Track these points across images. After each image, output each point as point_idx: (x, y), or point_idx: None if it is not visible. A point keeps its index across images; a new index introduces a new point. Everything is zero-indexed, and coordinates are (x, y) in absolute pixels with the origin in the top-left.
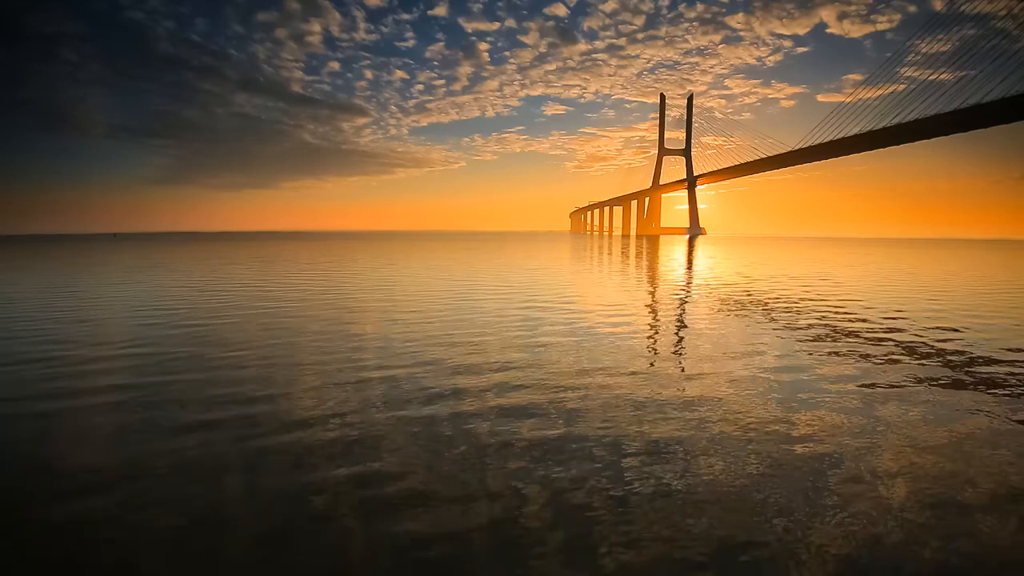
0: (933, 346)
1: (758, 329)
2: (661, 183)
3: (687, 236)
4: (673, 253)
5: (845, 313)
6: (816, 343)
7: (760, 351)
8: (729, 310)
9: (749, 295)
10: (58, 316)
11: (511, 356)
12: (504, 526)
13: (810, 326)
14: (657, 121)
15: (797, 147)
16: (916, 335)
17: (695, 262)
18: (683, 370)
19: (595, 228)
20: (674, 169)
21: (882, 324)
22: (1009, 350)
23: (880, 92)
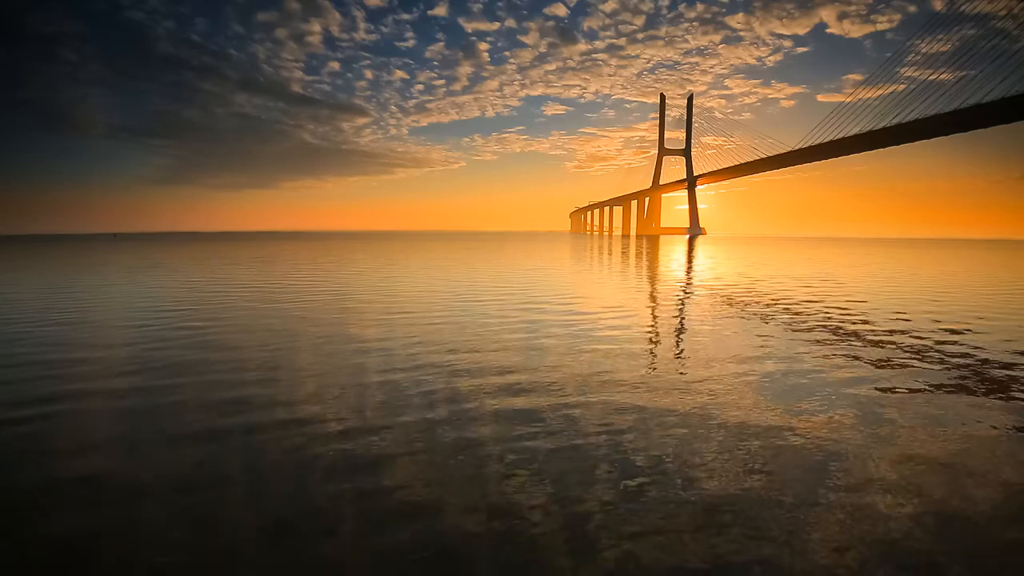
0: (938, 348)
1: (763, 331)
2: (661, 183)
3: (687, 236)
4: (673, 253)
5: (849, 314)
6: (820, 345)
7: (765, 354)
8: (731, 311)
9: (752, 296)
10: (57, 318)
11: (512, 359)
12: (508, 534)
13: (814, 327)
14: (657, 121)
15: (797, 147)
16: (920, 337)
17: (696, 262)
18: (687, 373)
19: (595, 228)
20: (674, 169)
21: (886, 326)
22: (1018, 353)
23: (880, 92)
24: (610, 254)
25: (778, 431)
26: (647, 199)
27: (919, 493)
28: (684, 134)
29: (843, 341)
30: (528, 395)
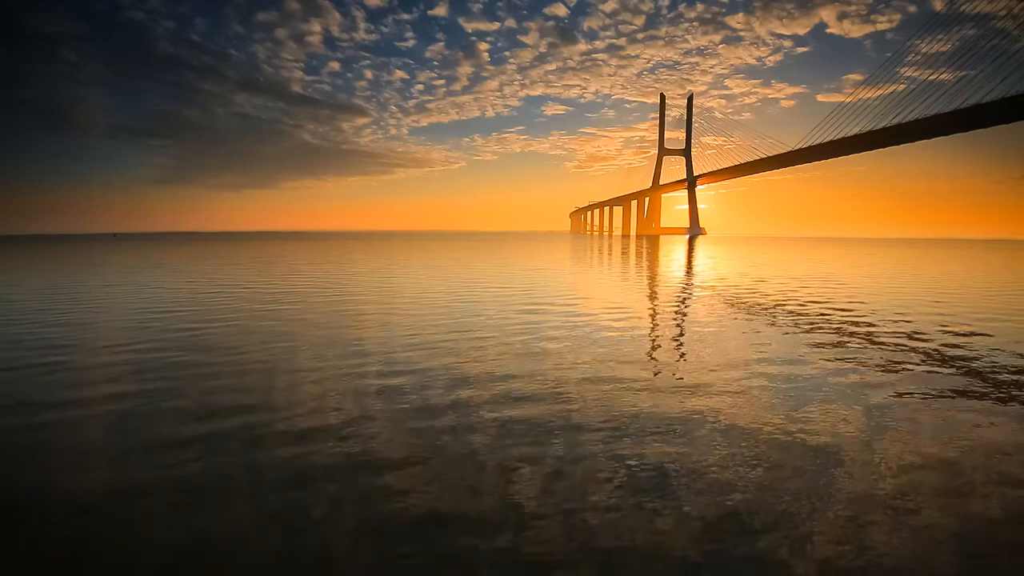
0: (945, 352)
1: (768, 334)
2: (661, 183)
3: (687, 236)
4: (674, 253)
5: (853, 316)
6: (826, 348)
7: (770, 358)
8: (735, 313)
9: (754, 297)
10: (56, 319)
11: (512, 362)
12: (511, 543)
13: (818, 330)
14: (657, 121)
15: (797, 147)
16: (926, 340)
17: (696, 263)
18: (691, 378)
19: (595, 228)
20: (674, 169)
21: (890, 328)
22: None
23: (880, 92)
24: (610, 254)
25: (787, 438)
26: (647, 199)
27: (930, 501)
28: (684, 134)
29: (848, 344)
30: (528, 400)
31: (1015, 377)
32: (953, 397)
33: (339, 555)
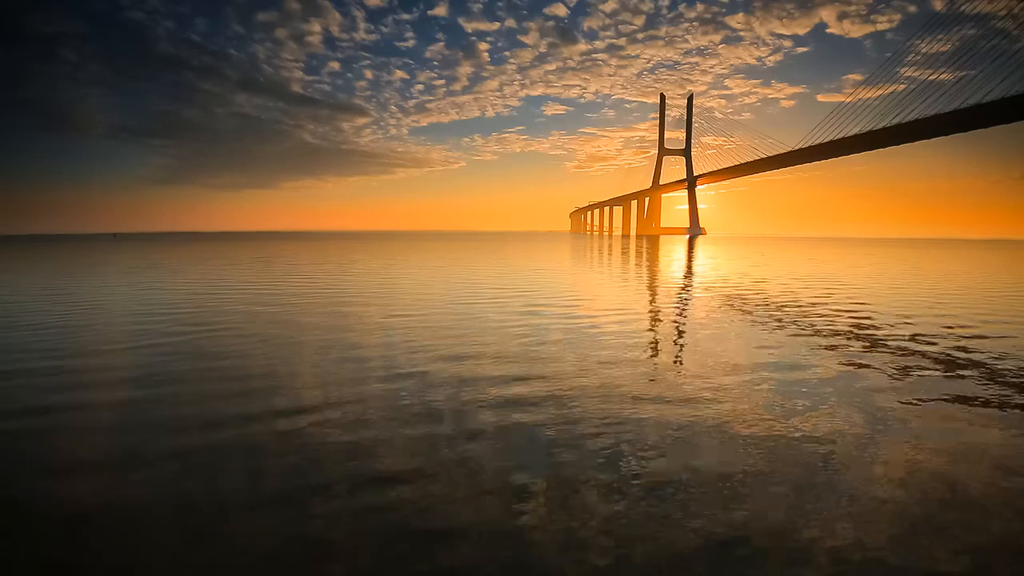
0: (950, 354)
1: (772, 337)
2: (661, 183)
3: (687, 236)
4: (674, 254)
5: (856, 317)
6: (830, 351)
7: (776, 362)
8: (737, 314)
9: (757, 298)
10: (56, 321)
11: (512, 365)
12: (516, 550)
13: (822, 332)
14: (657, 121)
15: (797, 147)
16: (931, 343)
17: (697, 263)
18: (696, 383)
19: (595, 228)
20: (674, 169)
21: (895, 331)
22: None
23: (880, 92)
24: (611, 255)
25: (794, 446)
26: (647, 199)
27: (941, 510)
28: (684, 134)
29: (853, 347)
30: (528, 408)
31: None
32: (960, 403)
33: (339, 567)
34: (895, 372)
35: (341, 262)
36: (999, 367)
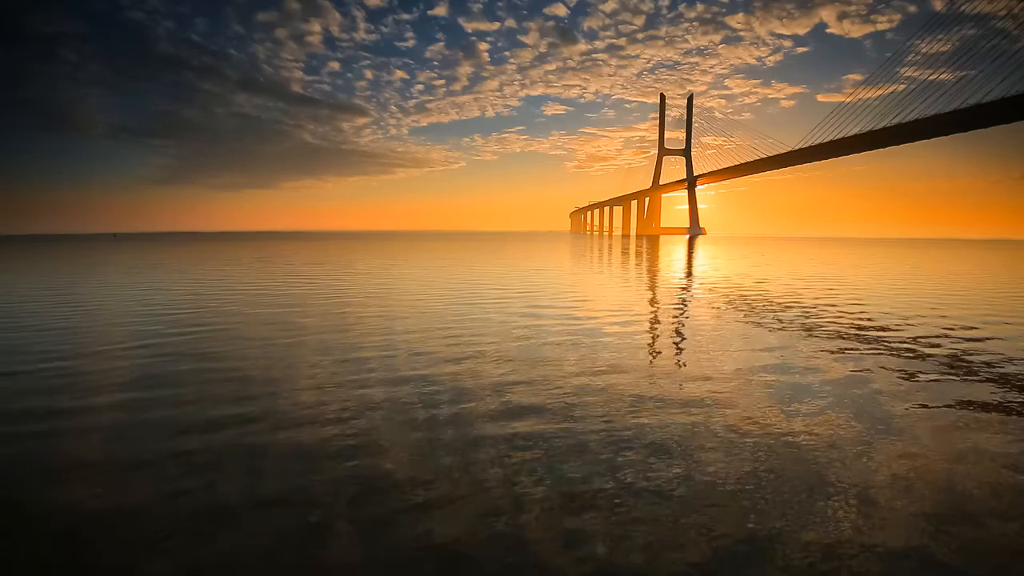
0: (956, 356)
1: (775, 339)
2: (661, 183)
3: (687, 236)
4: (674, 254)
5: (859, 318)
6: (834, 353)
7: (779, 364)
8: (739, 315)
9: (759, 298)
10: (56, 322)
11: (512, 367)
12: (517, 555)
13: (825, 333)
14: (657, 121)
15: (797, 147)
16: (936, 344)
17: (697, 263)
18: (698, 385)
19: (595, 228)
20: (674, 169)
21: (899, 332)
22: None
23: (880, 92)
24: (611, 255)
25: (800, 450)
26: (647, 199)
27: (935, 511)
28: (684, 134)
29: (857, 349)
30: (529, 412)
31: None
32: (965, 405)
33: (338, 567)
34: (900, 374)
35: (341, 262)
36: (1003, 369)
